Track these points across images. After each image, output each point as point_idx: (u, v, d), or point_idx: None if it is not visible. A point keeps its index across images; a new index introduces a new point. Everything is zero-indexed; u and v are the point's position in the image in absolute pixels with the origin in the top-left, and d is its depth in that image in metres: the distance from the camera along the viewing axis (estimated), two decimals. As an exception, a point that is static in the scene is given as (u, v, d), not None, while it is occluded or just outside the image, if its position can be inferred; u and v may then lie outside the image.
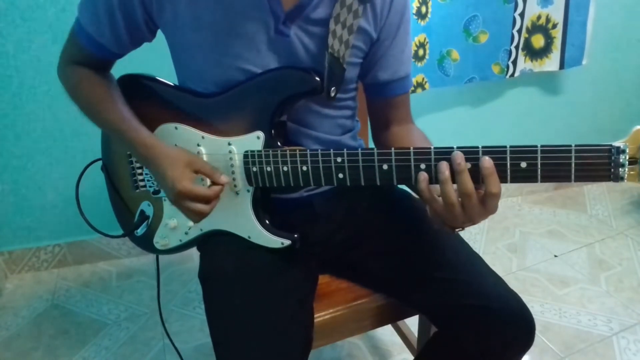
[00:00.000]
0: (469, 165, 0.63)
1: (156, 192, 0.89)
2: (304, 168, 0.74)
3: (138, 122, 0.81)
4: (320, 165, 0.73)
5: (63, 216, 1.77)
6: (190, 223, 0.87)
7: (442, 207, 0.66)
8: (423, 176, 0.66)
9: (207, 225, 0.86)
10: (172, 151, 0.78)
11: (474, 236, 1.96)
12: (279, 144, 0.78)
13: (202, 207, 0.76)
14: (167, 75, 0.87)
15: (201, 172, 0.78)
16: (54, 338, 1.52)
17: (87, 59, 0.83)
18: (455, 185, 0.64)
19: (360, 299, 0.92)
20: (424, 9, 1.64)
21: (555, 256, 1.82)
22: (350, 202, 0.92)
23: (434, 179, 0.66)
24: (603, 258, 1.80)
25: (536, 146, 0.60)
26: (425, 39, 1.70)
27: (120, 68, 0.89)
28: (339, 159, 0.71)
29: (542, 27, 1.81)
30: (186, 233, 0.88)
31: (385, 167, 0.69)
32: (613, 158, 0.58)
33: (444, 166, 0.64)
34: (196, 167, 0.78)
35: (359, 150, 0.70)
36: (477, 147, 0.63)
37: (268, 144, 0.78)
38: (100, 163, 0.99)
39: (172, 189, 0.75)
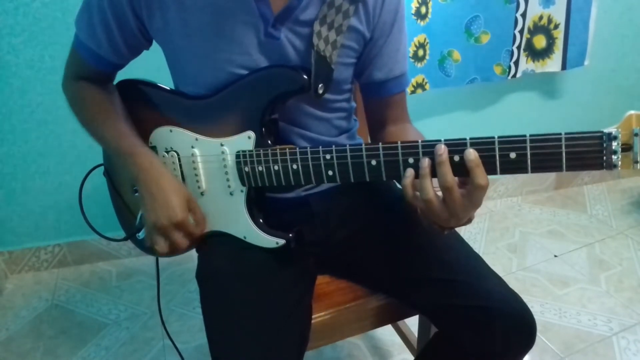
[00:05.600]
0: (457, 157, 0.62)
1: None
2: (294, 166, 0.74)
3: (136, 138, 0.81)
4: (310, 163, 0.73)
5: (63, 216, 1.77)
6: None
7: (423, 203, 0.65)
8: (409, 172, 0.65)
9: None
10: (175, 181, 0.80)
11: (474, 236, 1.96)
12: (269, 142, 0.78)
13: (184, 241, 0.80)
14: (166, 80, 0.87)
15: (193, 211, 0.81)
16: (54, 338, 1.52)
17: (89, 72, 0.85)
18: (435, 181, 0.63)
19: (360, 299, 0.92)
20: (423, 9, 1.64)
21: (555, 256, 1.82)
22: (348, 202, 0.92)
23: None
24: (603, 258, 1.80)
25: (525, 136, 0.59)
26: (425, 39, 1.70)
27: (121, 71, 0.90)
28: (327, 156, 0.71)
29: (544, 28, 1.80)
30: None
31: (373, 162, 0.68)
32: (605, 145, 0.56)
33: (425, 162, 0.63)
34: (192, 205, 0.81)
35: (347, 147, 0.69)
36: (465, 139, 0.62)
37: (259, 143, 0.78)
38: (101, 167, 0.99)
39: (171, 215, 0.76)
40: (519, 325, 0.77)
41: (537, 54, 1.85)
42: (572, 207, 2.15)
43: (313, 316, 0.87)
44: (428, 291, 0.82)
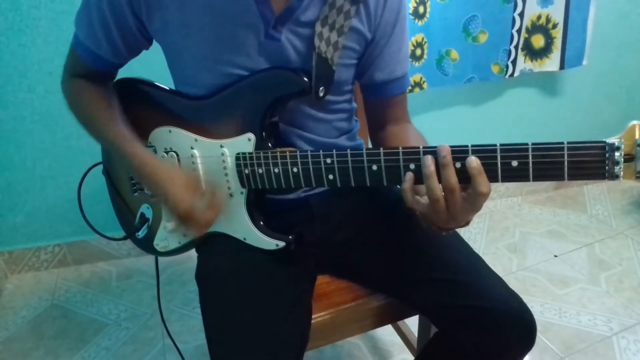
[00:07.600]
0: (458, 164, 0.62)
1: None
2: (295, 169, 0.74)
3: (135, 139, 0.81)
4: (310, 166, 0.72)
5: (63, 216, 1.77)
6: None
7: (425, 206, 0.65)
8: (409, 176, 0.65)
9: None
10: (172, 171, 0.78)
11: (474, 236, 1.96)
12: (269, 145, 0.78)
13: (206, 217, 0.77)
14: (166, 79, 0.87)
15: (200, 193, 0.79)
16: (54, 338, 1.52)
17: (88, 72, 0.85)
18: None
19: (360, 299, 0.92)
20: (421, 9, 1.64)
21: (555, 256, 1.82)
22: (348, 203, 0.92)
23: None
24: (603, 258, 1.80)
25: (527, 144, 0.59)
26: (423, 38, 1.70)
27: (121, 70, 0.90)
28: (328, 160, 0.70)
29: (542, 27, 1.80)
30: (185, 235, 0.88)
31: (374, 167, 0.68)
32: (607, 155, 0.56)
33: (429, 160, 0.63)
34: (196, 187, 0.79)
35: (348, 151, 0.69)
36: (467, 146, 0.61)
37: (259, 145, 0.77)
38: (101, 166, 0.98)
39: (176, 208, 0.75)
40: (519, 326, 0.77)
41: (535, 54, 1.86)
42: (572, 207, 2.15)
43: (313, 316, 0.87)
44: (428, 291, 0.82)
